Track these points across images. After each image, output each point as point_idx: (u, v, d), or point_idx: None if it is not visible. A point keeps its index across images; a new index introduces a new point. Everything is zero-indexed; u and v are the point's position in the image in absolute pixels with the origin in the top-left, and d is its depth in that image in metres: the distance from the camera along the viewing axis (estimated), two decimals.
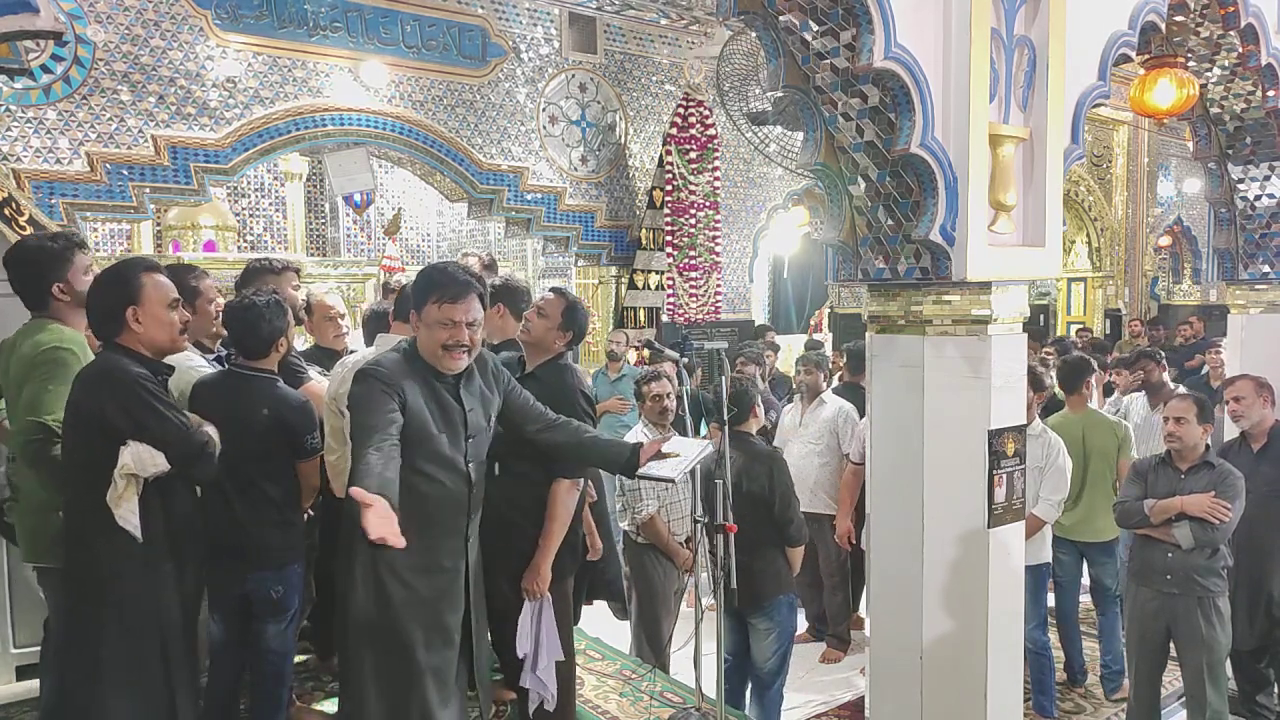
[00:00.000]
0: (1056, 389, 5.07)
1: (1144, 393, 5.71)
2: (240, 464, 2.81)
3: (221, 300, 3.36)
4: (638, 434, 4.23)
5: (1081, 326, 12.07)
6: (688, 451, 2.87)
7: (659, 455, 2.75)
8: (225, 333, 3.40)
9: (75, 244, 2.78)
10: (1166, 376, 5.80)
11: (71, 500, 2.47)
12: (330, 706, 3.42)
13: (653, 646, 4.18)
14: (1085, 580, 4.79)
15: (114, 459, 2.33)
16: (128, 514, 2.34)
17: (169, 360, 2.59)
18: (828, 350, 9.25)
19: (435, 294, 2.46)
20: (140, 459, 2.35)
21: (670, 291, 8.12)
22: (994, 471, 2.94)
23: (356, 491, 2.01)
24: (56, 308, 2.73)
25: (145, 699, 2.42)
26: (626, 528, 4.23)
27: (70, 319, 2.71)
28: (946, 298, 2.92)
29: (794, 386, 5.63)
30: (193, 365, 3.02)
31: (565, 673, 3.06)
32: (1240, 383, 4.04)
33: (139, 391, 2.37)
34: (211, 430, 2.57)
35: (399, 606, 2.45)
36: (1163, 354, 6.05)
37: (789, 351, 9.07)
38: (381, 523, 1.98)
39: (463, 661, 2.63)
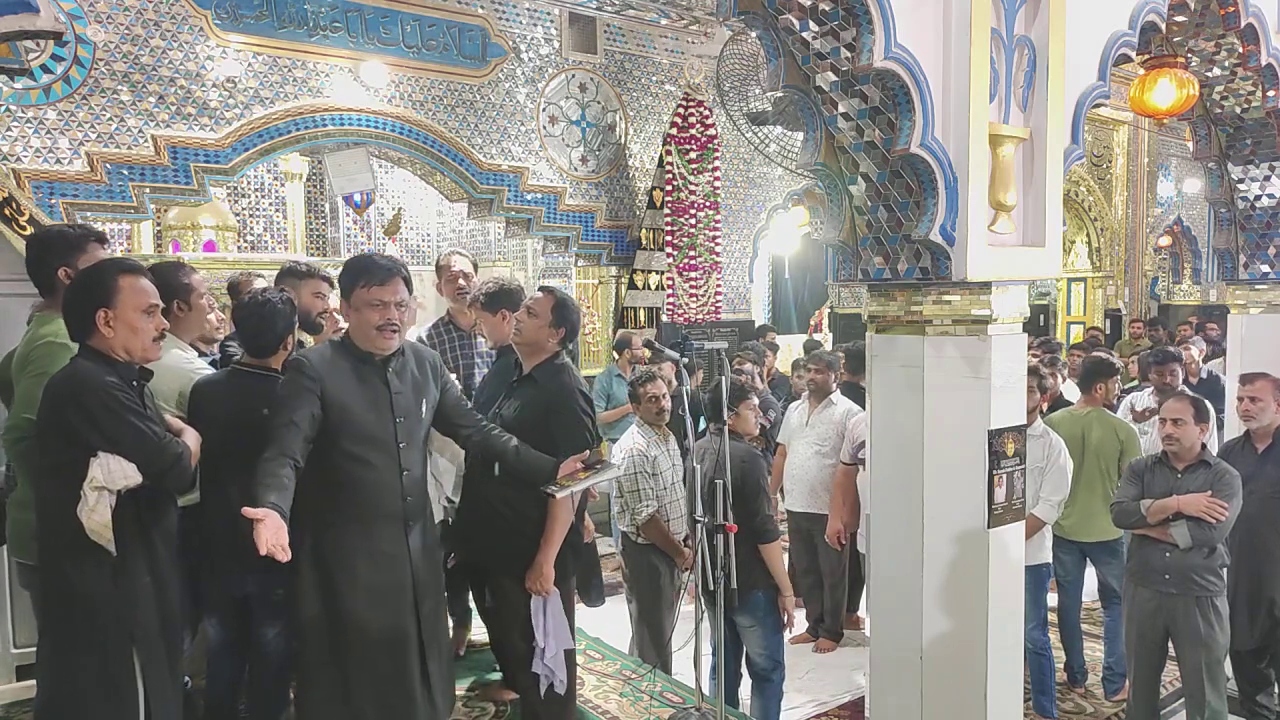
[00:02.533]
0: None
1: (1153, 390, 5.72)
2: (245, 463, 2.79)
3: (213, 298, 3.34)
4: (633, 435, 4.23)
5: (1088, 328, 12.05)
6: (597, 472, 2.91)
7: (575, 472, 2.84)
8: (220, 336, 3.40)
9: (94, 236, 2.77)
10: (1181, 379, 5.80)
11: (41, 508, 2.35)
12: None
13: (655, 646, 4.18)
14: (1084, 581, 4.79)
15: (84, 470, 2.20)
16: (99, 528, 2.21)
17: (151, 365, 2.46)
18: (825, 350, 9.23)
19: (363, 280, 2.59)
20: (110, 472, 2.22)
21: (670, 291, 8.10)
22: (994, 471, 2.94)
23: (247, 511, 2.12)
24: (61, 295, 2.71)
25: (120, 709, 2.33)
26: (625, 529, 4.22)
27: None
28: (946, 298, 2.92)
29: (794, 387, 5.59)
30: (193, 367, 3.01)
31: (567, 662, 3.14)
32: (1261, 383, 3.98)
33: (107, 401, 2.23)
34: (191, 439, 2.49)
35: (343, 591, 2.54)
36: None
37: (789, 351, 9.07)
38: (271, 535, 2.09)
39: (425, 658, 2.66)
